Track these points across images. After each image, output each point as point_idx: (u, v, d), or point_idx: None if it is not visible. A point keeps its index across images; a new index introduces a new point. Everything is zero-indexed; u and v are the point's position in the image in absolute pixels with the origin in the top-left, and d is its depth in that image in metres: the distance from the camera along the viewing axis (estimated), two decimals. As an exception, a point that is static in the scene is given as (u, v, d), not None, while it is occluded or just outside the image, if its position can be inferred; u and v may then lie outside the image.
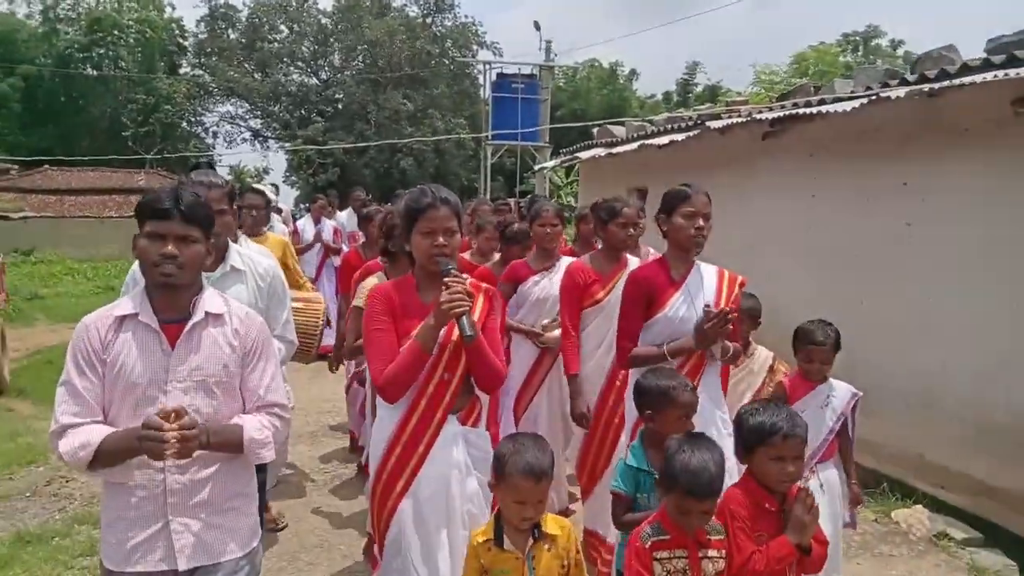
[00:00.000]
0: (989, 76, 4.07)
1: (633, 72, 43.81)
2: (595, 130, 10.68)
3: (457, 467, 2.43)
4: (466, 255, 4.88)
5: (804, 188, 6.06)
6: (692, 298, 2.97)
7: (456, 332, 2.35)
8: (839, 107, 4.90)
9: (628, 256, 3.93)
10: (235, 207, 3.15)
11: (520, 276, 4.32)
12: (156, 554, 2.00)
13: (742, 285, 3.12)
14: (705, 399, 2.83)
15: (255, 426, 2.11)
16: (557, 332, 4.01)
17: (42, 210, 24.39)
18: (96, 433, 1.95)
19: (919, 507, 4.48)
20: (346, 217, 9.67)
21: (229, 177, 3.02)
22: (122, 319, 2.05)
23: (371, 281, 3.68)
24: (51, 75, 33.62)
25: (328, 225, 9.35)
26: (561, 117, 36.63)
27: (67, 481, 5.10)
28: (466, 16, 39.05)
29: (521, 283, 4.30)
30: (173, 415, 1.88)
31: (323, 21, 37.63)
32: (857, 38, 37.72)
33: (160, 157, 29.68)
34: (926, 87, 4.37)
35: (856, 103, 4.81)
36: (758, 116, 6.07)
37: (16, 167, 23.91)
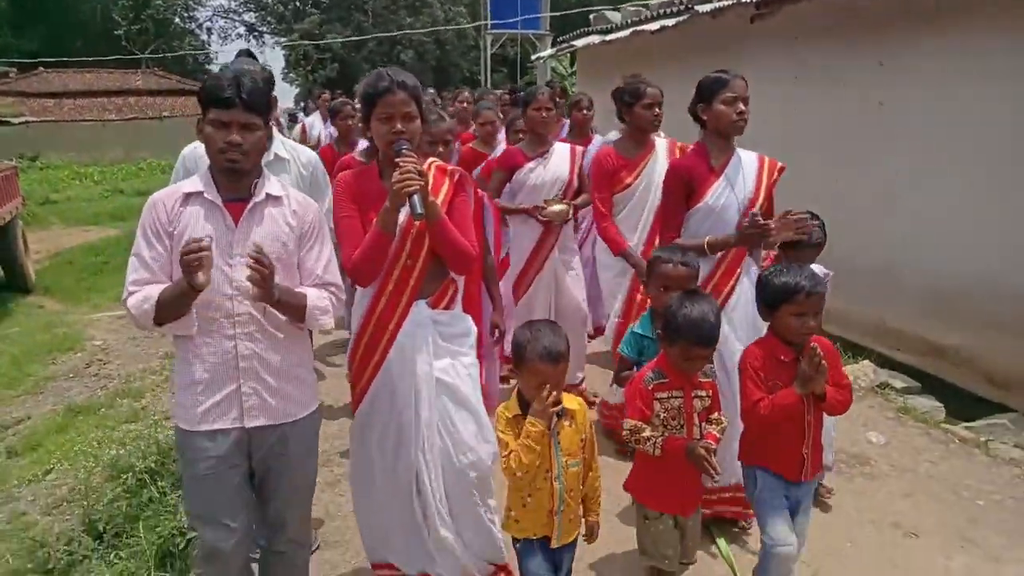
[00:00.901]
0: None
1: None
2: (592, 16, 10.57)
3: (425, 349, 2.45)
4: (471, 144, 4.98)
5: (787, 70, 6.19)
6: (732, 185, 2.99)
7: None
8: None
9: (655, 139, 3.85)
10: (273, 96, 3.03)
11: (515, 163, 4.29)
12: (230, 414, 2.15)
13: (781, 171, 3.12)
14: (748, 287, 2.93)
15: (316, 295, 2.24)
16: (559, 207, 4.05)
17: (42, 114, 24.17)
18: (156, 288, 2.08)
19: (866, 362, 4.92)
20: (318, 120, 9.33)
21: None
22: (188, 196, 2.15)
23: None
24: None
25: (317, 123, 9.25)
26: (563, 3, 35.49)
27: (104, 364, 5.62)
28: None
29: (516, 170, 4.27)
30: (257, 250, 2.01)
31: (315, -96, 36.02)
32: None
33: (156, 56, 29.13)
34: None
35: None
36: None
37: (15, 70, 23.58)
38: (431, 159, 2.59)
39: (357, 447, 2.61)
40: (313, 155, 3.24)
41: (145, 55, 28.43)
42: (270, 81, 3.00)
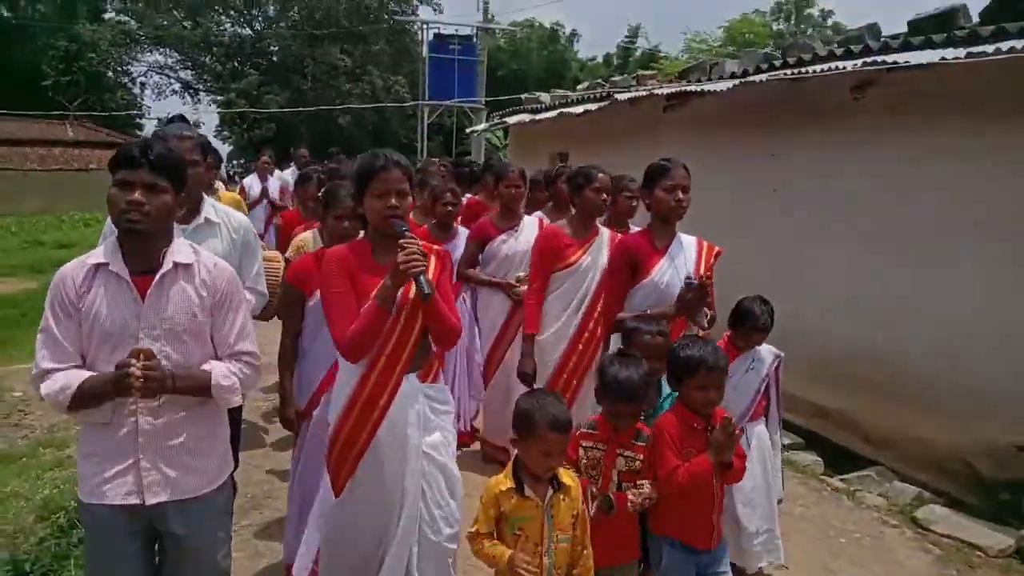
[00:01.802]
0: (839, 65, 4.86)
1: (575, 33, 44.16)
2: (524, 96, 11.26)
3: (416, 424, 2.46)
4: (410, 214, 5.18)
5: (695, 157, 6.78)
6: (675, 265, 3.17)
7: (413, 292, 2.40)
8: (716, 86, 5.66)
9: (600, 226, 3.98)
10: (208, 160, 3.12)
11: (487, 235, 4.45)
12: (124, 488, 2.08)
13: (718, 255, 3.32)
14: None
15: (223, 372, 2.18)
16: None
17: (-41, 163, 23.47)
18: (75, 377, 2.03)
19: (754, 423, 5.39)
20: (290, 175, 9.59)
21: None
22: (96, 268, 2.11)
23: (306, 235, 3.87)
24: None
25: (275, 182, 9.40)
26: (502, 77, 36.76)
27: (25, 414, 5.56)
28: (406, -30, 38.36)
29: (488, 242, 4.43)
30: (141, 355, 1.98)
31: (257, -32, 36.71)
32: (790, 6, 38.90)
33: (85, 111, 28.67)
34: (782, 73, 5.15)
35: (728, 84, 5.58)
36: (656, 91, 6.80)
37: None
38: (419, 240, 2.59)
39: (336, 515, 2.54)
40: (245, 219, 3.24)
41: (73, 107, 27.93)
42: (206, 146, 3.07)
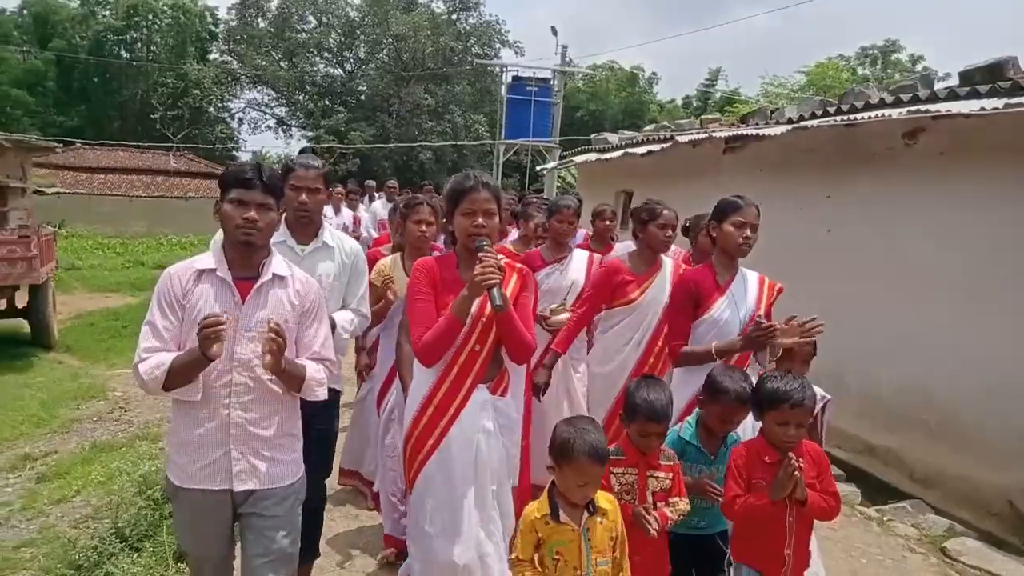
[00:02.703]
0: (885, 113, 5.06)
1: (654, 75, 44.58)
2: (593, 136, 11.67)
3: (484, 431, 2.55)
4: (507, 244, 5.00)
5: (753, 197, 7.03)
6: (736, 302, 3.16)
7: (488, 306, 2.47)
8: (770, 131, 5.90)
9: (663, 258, 3.97)
10: (328, 189, 3.34)
11: (533, 266, 4.29)
12: (218, 476, 2.28)
13: (780, 291, 3.31)
14: None
15: (315, 367, 2.38)
16: (564, 315, 4.11)
17: (73, 186, 25.28)
18: (168, 356, 2.22)
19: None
20: (381, 206, 10.13)
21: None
22: (201, 272, 2.31)
23: (386, 260, 4.04)
24: (86, 57, 34.88)
25: (347, 214, 9.95)
26: (580, 118, 37.49)
27: (125, 411, 6.21)
28: (490, 14, 39.97)
29: (534, 273, 4.36)
30: (271, 324, 2.16)
31: (351, 14, 38.58)
32: (876, 51, 38.34)
33: (187, 143, 30.74)
34: (832, 120, 5.36)
35: (780, 129, 5.81)
36: (715, 135, 7.06)
37: (60, 146, 24.95)
38: (500, 256, 2.67)
39: (413, 524, 2.67)
40: (356, 245, 3.41)
41: (176, 139, 30.01)
42: (327, 176, 3.26)
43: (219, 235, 3.11)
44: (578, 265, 4.38)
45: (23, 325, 10.40)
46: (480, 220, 2.52)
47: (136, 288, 15.48)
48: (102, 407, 6.34)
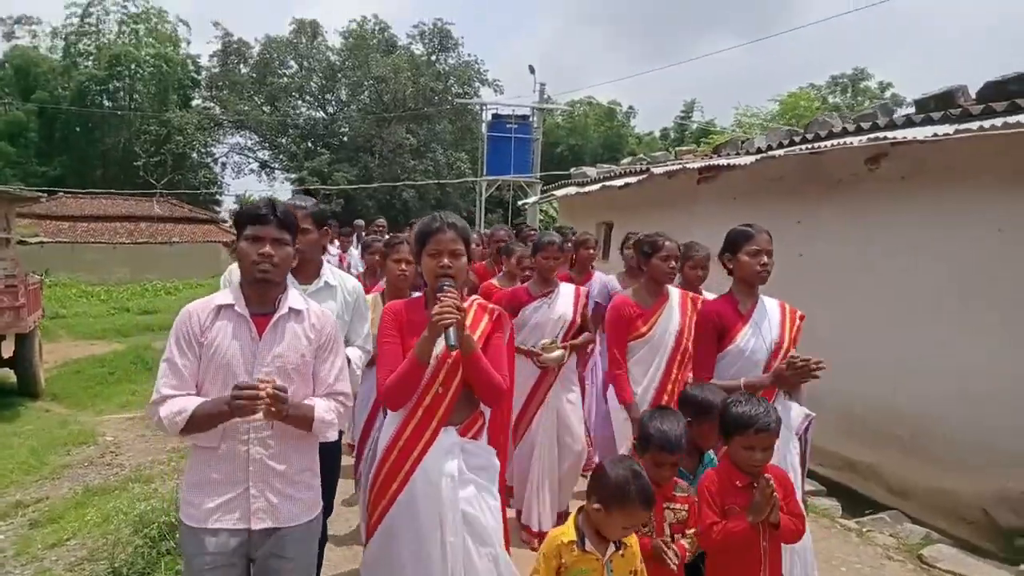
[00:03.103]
0: (846, 141, 5.30)
1: (631, 109, 45.44)
2: (572, 170, 11.93)
3: (450, 476, 2.48)
4: (495, 281, 5.16)
5: (726, 224, 7.23)
6: (760, 330, 3.13)
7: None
8: (739, 160, 6.14)
9: (669, 288, 3.97)
10: (322, 229, 3.28)
11: (520, 301, 4.45)
12: (235, 514, 2.24)
13: (802, 319, 3.27)
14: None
15: (324, 407, 2.35)
16: (556, 353, 4.20)
17: (56, 235, 25.29)
18: (191, 401, 2.20)
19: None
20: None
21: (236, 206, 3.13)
22: (219, 308, 2.33)
23: (368, 297, 3.84)
24: (68, 107, 35.10)
25: (335, 252, 10.27)
26: (560, 152, 38.07)
27: (116, 455, 6.23)
28: (469, 54, 40.66)
29: (521, 307, 4.41)
30: (267, 380, 2.15)
31: (332, 58, 39.28)
32: (845, 80, 39.34)
33: (170, 189, 30.88)
34: (797, 149, 5.60)
35: (749, 159, 6.05)
36: (688, 166, 7.31)
37: (45, 196, 24.94)
38: (474, 297, 2.78)
39: (374, 565, 2.60)
40: (357, 284, 3.42)
41: (159, 185, 30.15)
42: (317, 215, 3.21)
43: (227, 272, 3.27)
44: (565, 299, 4.40)
45: (9, 375, 10.38)
46: (446, 260, 2.51)
47: (121, 334, 15.46)
48: (92, 452, 6.37)
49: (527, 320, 4.37)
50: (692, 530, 2.54)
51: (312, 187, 31.60)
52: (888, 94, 37.12)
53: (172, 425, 2.19)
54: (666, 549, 2.44)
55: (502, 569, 2.51)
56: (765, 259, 3.12)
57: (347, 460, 5.12)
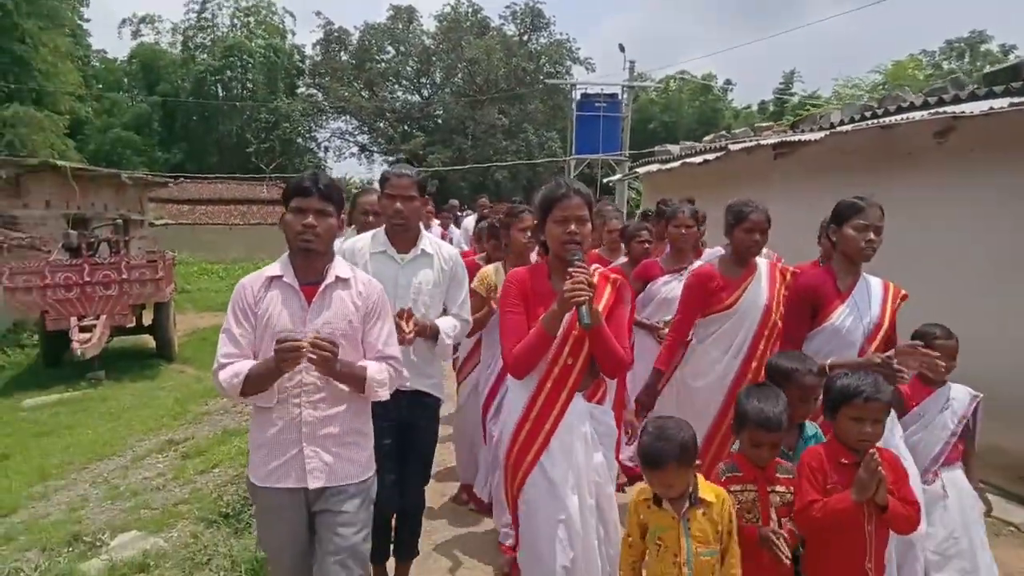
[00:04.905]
0: (915, 115, 5.50)
1: (729, 83, 44.45)
2: (656, 148, 12.23)
3: (583, 439, 2.52)
4: (598, 251, 4.96)
5: (802, 198, 7.47)
6: (859, 310, 2.96)
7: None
8: (810, 136, 6.38)
9: (758, 260, 3.69)
10: (425, 197, 3.26)
11: (651, 275, 4.29)
12: (292, 475, 2.37)
13: (904, 298, 3.09)
14: None
15: (376, 368, 2.44)
16: None
17: (178, 218, 27.47)
18: (245, 364, 2.32)
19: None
20: (471, 221, 10.26)
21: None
22: (271, 280, 2.43)
23: (488, 268, 4.10)
24: (187, 97, 37.73)
25: (436, 230, 10.82)
26: (653, 129, 37.81)
27: (246, 405, 7.16)
28: (561, 33, 40.88)
29: (651, 282, 4.27)
30: (314, 334, 2.26)
31: (426, 42, 40.39)
32: (962, 44, 37.12)
33: (278, 174, 32.76)
34: (865, 124, 5.82)
35: (820, 135, 6.28)
36: (763, 142, 7.55)
37: (174, 182, 26.95)
38: (595, 266, 2.69)
39: (525, 531, 2.62)
40: (455, 252, 3.38)
41: (269, 170, 32.05)
42: (422, 184, 3.19)
43: (345, 242, 3.29)
44: None
45: (148, 340, 11.76)
46: (573, 227, 2.47)
47: (240, 307, 16.97)
48: (226, 403, 7.36)
49: (654, 295, 4.24)
50: None
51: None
52: (1012, 56, 34.88)
53: (232, 388, 2.32)
54: (775, 540, 2.33)
55: (612, 537, 2.59)
56: (872, 235, 2.92)
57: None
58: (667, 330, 3.90)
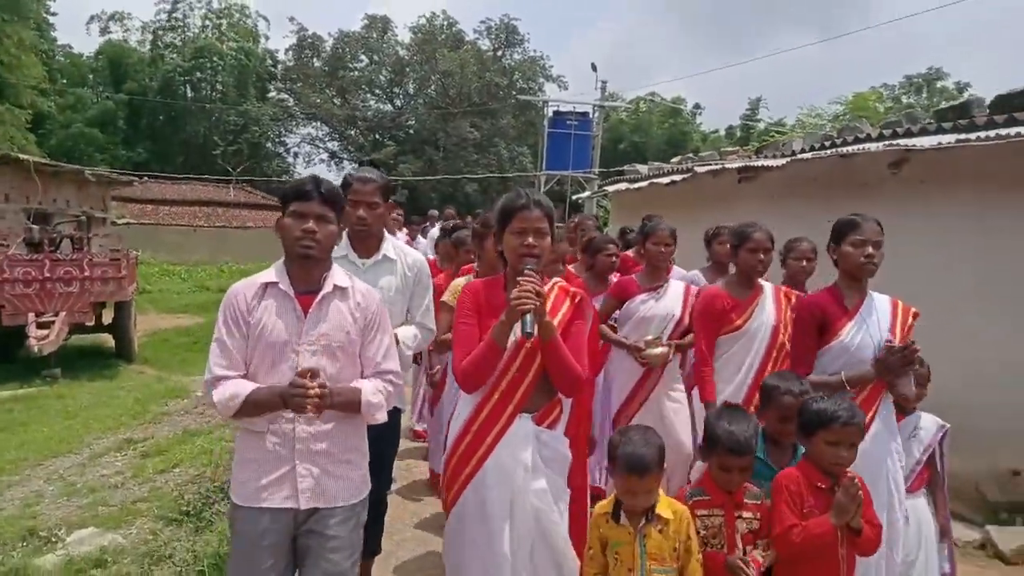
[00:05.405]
0: (866, 147, 5.76)
1: (698, 107, 45.34)
2: (625, 167, 12.48)
3: (523, 465, 2.40)
4: (571, 267, 4.78)
5: (768, 223, 7.66)
6: (867, 326, 2.94)
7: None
8: (772, 162, 6.63)
9: (763, 282, 3.78)
10: (390, 201, 3.22)
11: (628, 293, 4.21)
12: (282, 492, 2.24)
13: (915, 316, 3.07)
14: (881, 428, 2.86)
15: (371, 390, 2.32)
16: (659, 350, 3.95)
17: (141, 217, 27.06)
18: (244, 387, 2.19)
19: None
20: (437, 231, 10.87)
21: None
22: (265, 287, 2.31)
23: (461, 281, 4.00)
24: (154, 96, 37.19)
25: (402, 237, 10.86)
26: (623, 149, 38.32)
27: (208, 407, 7.14)
28: (535, 50, 41.33)
29: (628, 300, 4.19)
30: (310, 374, 2.12)
31: (400, 52, 40.48)
32: (919, 80, 38.42)
33: (245, 177, 32.43)
34: (823, 153, 6.08)
35: (782, 161, 6.53)
36: (728, 166, 7.80)
37: (138, 180, 26.51)
38: (555, 279, 2.66)
39: (450, 546, 2.60)
40: (419, 256, 3.34)
41: (236, 173, 31.77)
42: (386, 189, 3.15)
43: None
44: (674, 294, 4.17)
45: (108, 340, 11.59)
46: (530, 239, 2.40)
47: (203, 310, 16.71)
48: (187, 404, 7.31)
49: (633, 313, 4.15)
50: (765, 540, 2.42)
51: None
52: (966, 94, 36.21)
53: (225, 409, 2.22)
54: (744, 568, 2.32)
55: (565, 568, 2.46)
56: (871, 250, 2.94)
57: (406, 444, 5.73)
58: (649, 350, 3.93)
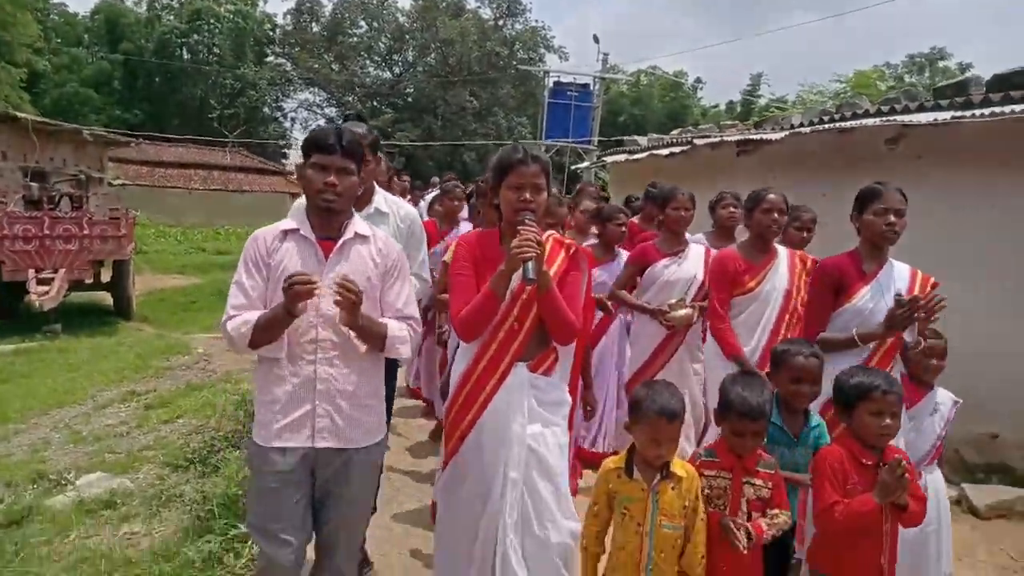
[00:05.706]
0: (868, 122, 5.83)
1: (699, 81, 45.14)
2: (625, 138, 12.51)
3: (520, 411, 2.43)
4: (567, 233, 4.67)
5: (761, 195, 7.84)
6: (883, 292, 2.96)
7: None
8: (771, 136, 6.70)
9: (777, 245, 3.80)
10: (378, 156, 3.24)
11: (649, 259, 4.23)
12: (302, 433, 2.27)
13: (934, 286, 3.07)
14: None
15: (397, 326, 2.38)
16: (683, 312, 3.99)
17: (136, 179, 26.92)
18: (254, 313, 2.25)
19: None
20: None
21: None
22: (286, 232, 2.35)
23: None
24: (150, 57, 36.80)
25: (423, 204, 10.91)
26: (623, 122, 38.20)
27: (208, 363, 7.28)
28: (536, 20, 40.95)
29: (649, 266, 4.22)
30: (341, 277, 2.17)
31: (400, 19, 40.02)
32: (922, 59, 38.28)
33: (242, 141, 32.22)
34: (821, 127, 6.15)
35: (781, 135, 6.60)
36: (727, 139, 7.86)
37: (136, 141, 26.34)
38: (550, 232, 2.67)
39: (443, 497, 2.63)
40: (412, 210, 3.34)
41: (232, 136, 31.55)
42: (375, 144, 3.17)
43: (298, 202, 2.99)
44: (695, 257, 4.23)
45: (106, 297, 11.67)
46: (527, 195, 2.40)
47: (200, 271, 16.84)
48: (188, 359, 7.44)
49: (655, 279, 4.21)
50: (775, 511, 2.39)
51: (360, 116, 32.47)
52: (968, 74, 35.99)
53: (240, 337, 2.25)
54: (735, 530, 2.31)
55: (562, 504, 2.47)
56: (892, 218, 2.96)
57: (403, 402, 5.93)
58: (673, 313, 4.00)
